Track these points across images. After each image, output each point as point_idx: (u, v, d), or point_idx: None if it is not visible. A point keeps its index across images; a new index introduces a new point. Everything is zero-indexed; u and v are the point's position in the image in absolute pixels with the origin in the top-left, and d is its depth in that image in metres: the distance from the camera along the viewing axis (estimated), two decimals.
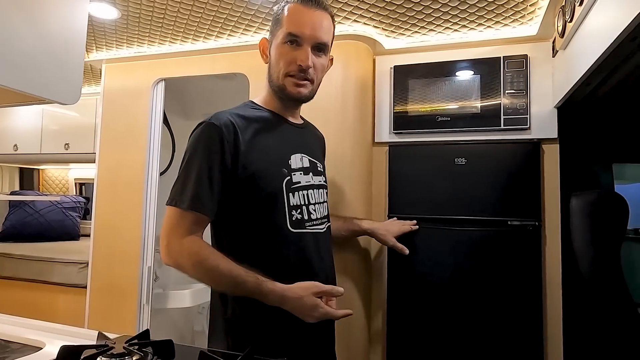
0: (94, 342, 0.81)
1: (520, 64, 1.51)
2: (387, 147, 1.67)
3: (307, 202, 1.07)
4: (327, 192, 1.19)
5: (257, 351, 0.78)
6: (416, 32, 1.56)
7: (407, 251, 1.45)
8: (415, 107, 1.62)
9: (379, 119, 1.69)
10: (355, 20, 1.50)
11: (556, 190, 1.49)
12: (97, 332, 0.86)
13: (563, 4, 1.24)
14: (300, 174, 1.08)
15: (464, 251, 1.52)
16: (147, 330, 0.85)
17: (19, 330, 0.98)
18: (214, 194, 0.98)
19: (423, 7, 1.37)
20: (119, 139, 1.93)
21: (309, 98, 1.09)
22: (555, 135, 1.49)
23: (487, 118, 1.53)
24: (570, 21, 1.17)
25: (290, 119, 1.14)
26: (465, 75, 1.57)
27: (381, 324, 1.64)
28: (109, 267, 1.89)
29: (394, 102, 1.65)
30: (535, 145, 1.50)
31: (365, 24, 1.52)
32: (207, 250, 0.97)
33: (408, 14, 1.43)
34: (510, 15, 1.41)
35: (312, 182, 1.11)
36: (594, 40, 1.04)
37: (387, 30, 1.56)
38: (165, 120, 2.22)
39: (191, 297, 2.15)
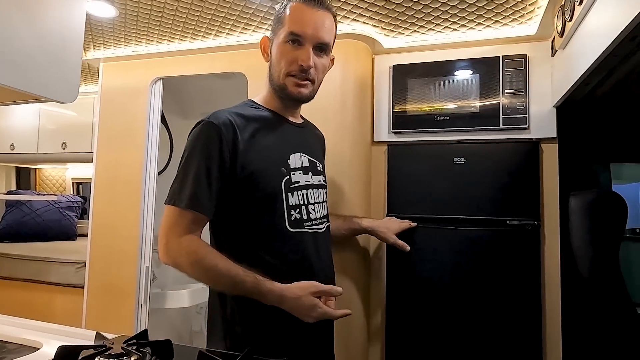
0: (91, 343, 0.81)
1: (520, 63, 1.51)
2: (386, 147, 1.67)
3: (306, 202, 1.07)
4: (326, 192, 1.19)
5: (256, 351, 0.77)
6: (415, 31, 1.56)
7: (408, 248, 1.45)
8: (414, 107, 1.62)
9: (378, 119, 1.68)
10: (354, 20, 1.50)
11: (555, 190, 1.49)
12: (95, 332, 0.86)
13: (562, 3, 1.24)
14: (300, 173, 1.08)
15: (463, 251, 1.52)
16: (146, 331, 0.84)
17: (16, 331, 0.97)
18: (212, 193, 0.97)
19: (422, 6, 1.37)
20: (116, 138, 1.92)
21: (309, 98, 1.09)
22: (554, 134, 1.49)
23: (486, 117, 1.53)
24: (570, 20, 1.17)
25: (291, 119, 1.14)
26: (464, 75, 1.57)
27: (380, 323, 1.63)
28: (107, 267, 1.88)
29: (393, 101, 1.65)
30: (534, 145, 1.50)
31: (364, 23, 1.52)
32: (205, 249, 0.96)
33: (407, 13, 1.42)
34: (510, 14, 1.41)
35: (311, 182, 1.10)
36: (593, 40, 1.03)
37: (386, 29, 1.56)
38: (163, 120, 2.22)
39: (189, 297, 2.15)
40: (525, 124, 1.49)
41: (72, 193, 3.54)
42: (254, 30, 1.62)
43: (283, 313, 0.96)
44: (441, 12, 1.41)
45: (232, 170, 0.98)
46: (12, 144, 2.95)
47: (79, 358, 0.71)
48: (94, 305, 1.89)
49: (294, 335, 1.01)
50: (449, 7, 1.37)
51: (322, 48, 1.05)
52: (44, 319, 1.07)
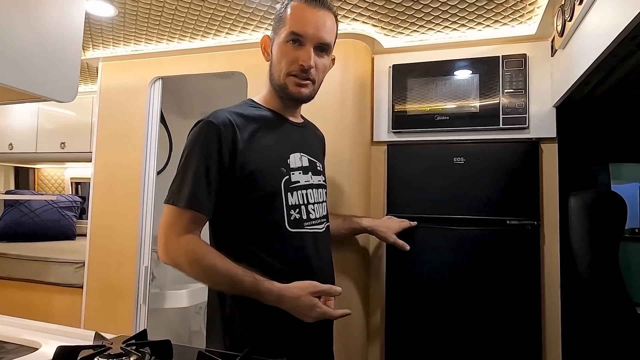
0: (90, 343, 0.81)
1: (519, 63, 1.51)
2: (386, 146, 1.66)
3: (306, 202, 1.07)
4: (326, 192, 1.18)
5: (256, 351, 0.77)
6: (415, 31, 1.56)
7: (407, 247, 1.45)
8: (414, 106, 1.62)
9: (378, 118, 1.68)
10: (354, 19, 1.50)
11: (555, 190, 1.49)
12: (94, 332, 0.85)
13: (562, 3, 1.23)
14: (300, 173, 1.07)
15: (463, 250, 1.52)
16: (145, 331, 0.84)
17: (15, 331, 0.97)
18: (212, 193, 0.97)
19: (422, 5, 1.37)
20: (115, 138, 1.92)
21: (309, 98, 1.09)
22: (553, 134, 1.49)
23: (486, 117, 1.53)
24: (570, 20, 1.17)
25: (291, 118, 1.14)
26: (464, 75, 1.57)
27: (379, 322, 1.63)
28: (106, 267, 1.88)
29: (392, 101, 1.65)
30: (534, 145, 1.50)
31: (364, 22, 1.52)
32: (204, 248, 0.96)
33: (407, 12, 1.42)
34: (509, 14, 1.40)
35: (311, 182, 1.10)
36: (593, 40, 1.03)
37: (385, 29, 1.56)
38: (163, 119, 2.21)
39: (188, 297, 2.15)
40: (525, 124, 1.49)
41: (70, 193, 3.54)
42: (253, 30, 1.62)
43: (282, 313, 0.96)
44: (441, 11, 1.40)
45: (232, 169, 0.98)
46: (10, 144, 2.95)
47: (78, 358, 0.70)
48: (93, 305, 1.89)
49: (293, 336, 1.01)
50: (449, 6, 1.37)
51: (323, 48, 1.05)
52: (42, 319, 1.07)
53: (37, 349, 0.87)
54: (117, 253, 1.86)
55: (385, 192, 1.64)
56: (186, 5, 1.45)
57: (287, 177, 1.04)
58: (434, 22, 1.48)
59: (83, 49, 1.90)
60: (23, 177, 3.66)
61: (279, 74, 1.05)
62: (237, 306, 1.00)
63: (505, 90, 1.51)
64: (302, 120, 1.20)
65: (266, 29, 1.59)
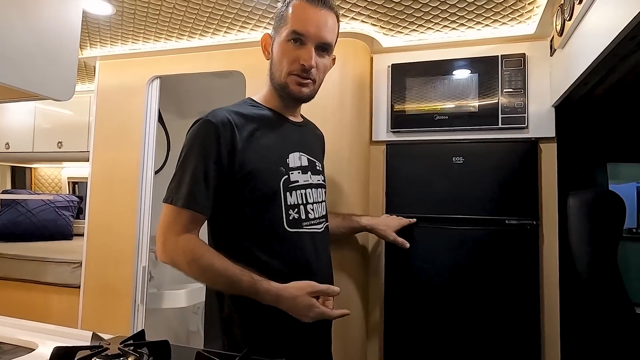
0: (88, 343, 0.80)
1: (518, 62, 1.51)
2: (385, 146, 1.66)
3: (305, 202, 1.06)
4: (325, 192, 1.18)
5: (255, 352, 0.77)
6: (414, 30, 1.55)
7: (407, 245, 1.45)
8: (412, 106, 1.61)
9: (377, 118, 1.68)
10: (353, 18, 1.50)
11: (554, 190, 1.49)
12: (91, 332, 0.85)
13: (562, 2, 1.23)
14: (299, 172, 1.07)
15: (462, 250, 1.52)
16: (143, 331, 0.83)
17: (11, 331, 0.96)
18: (210, 193, 0.97)
19: (421, 5, 1.37)
20: (113, 137, 1.91)
21: (310, 97, 1.08)
22: (552, 134, 1.49)
23: (485, 117, 1.53)
24: (569, 20, 1.17)
25: (291, 117, 1.13)
26: (463, 74, 1.57)
27: (378, 321, 1.63)
28: (103, 266, 1.87)
29: (391, 100, 1.64)
30: (533, 144, 1.50)
31: (363, 21, 1.52)
32: (202, 248, 0.96)
33: (406, 12, 1.42)
34: (509, 13, 1.40)
35: (310, 181, 1.10)
36: (592, 39, 1.03)
37: (385, 28, 1.55)
38: (160, 119, 2.20)
39: (186, 297, 2.14)
40: (524, 124, 1.49)
41: (68, 192, 3.52)
42: (252, 29, 1.62)
43: (281, 313, 0.95)
44: (440, 11, 1.40)
45: (230, 169, 0.98)
46: (7, 143, 2.93)
47: (75, 359, 0.70)
48: (90, 305, 1.88)
49: (291, 336, 1.01)
50: (448, 6, 1.37)
51: (324, 48, 1.05)
52: (39, 319, 1.06)
53: (34, 349, 0.87)
54: (115, 253, 1.85)
55: (384, 192, 1.64)
56: (184, 4, 1.45)
57: (286, 176, 1.04)
58: (433, 22, 1.48)
59: (80, 47, 1.89)
60: (20, 177, 3.64)
61: (280, 73, 1.04)
62: (235, 306, 1.00)
63: (504, 90, 1.51)
64: (302, 120, 1.20)
65: (265, 27, 1.58)
